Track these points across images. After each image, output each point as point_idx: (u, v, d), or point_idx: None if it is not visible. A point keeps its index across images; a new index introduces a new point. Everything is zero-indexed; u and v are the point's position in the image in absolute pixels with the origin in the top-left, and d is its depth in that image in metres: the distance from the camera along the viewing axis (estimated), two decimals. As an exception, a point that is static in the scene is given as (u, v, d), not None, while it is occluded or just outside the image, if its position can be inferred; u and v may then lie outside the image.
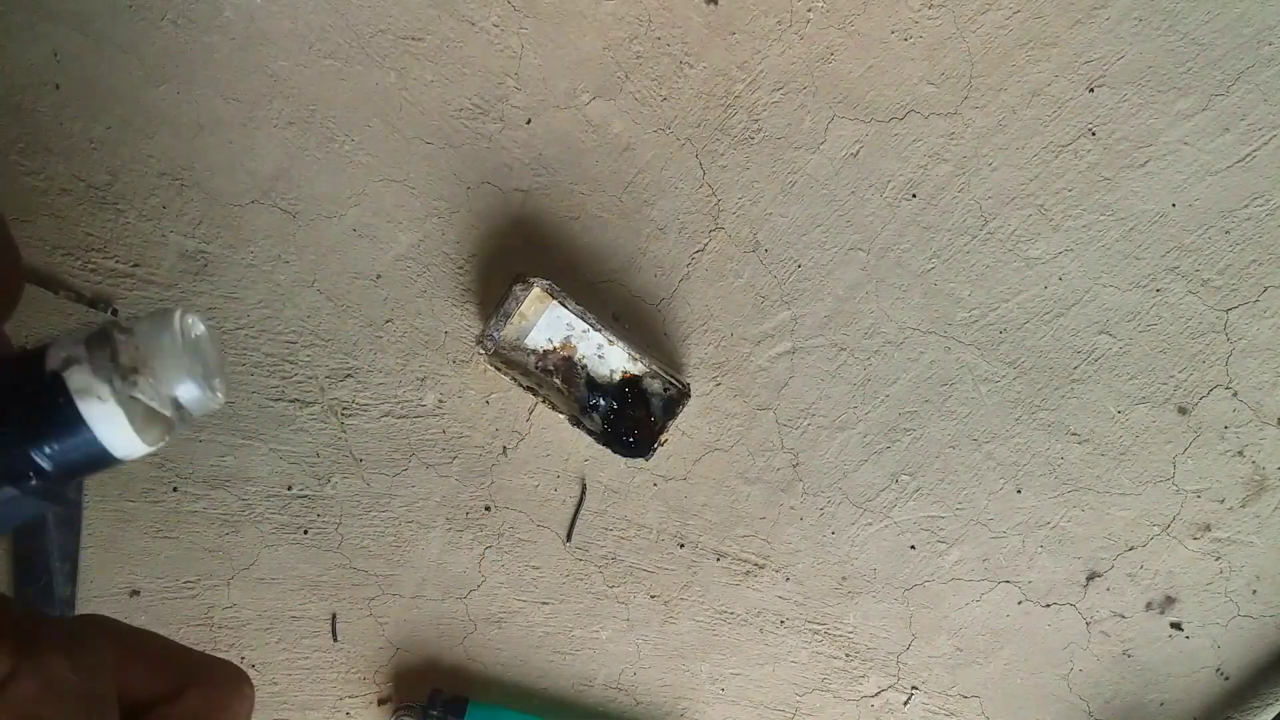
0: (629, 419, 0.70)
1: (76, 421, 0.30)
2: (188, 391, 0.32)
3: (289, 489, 0.72)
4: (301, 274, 0.69)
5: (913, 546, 0.77)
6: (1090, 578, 0.78)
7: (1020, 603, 0.79)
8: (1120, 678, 0.81)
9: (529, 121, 0.69)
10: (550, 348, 0.70)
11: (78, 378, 0.30)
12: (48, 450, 0.30)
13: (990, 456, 0.76)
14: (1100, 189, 0.72)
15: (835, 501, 0.76)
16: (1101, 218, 0.72)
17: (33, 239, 0.66)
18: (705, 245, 0.72)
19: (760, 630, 0.78)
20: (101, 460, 0.31)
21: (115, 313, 0.68)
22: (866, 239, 0.72)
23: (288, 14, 0.65)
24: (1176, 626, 0.80)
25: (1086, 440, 0.76)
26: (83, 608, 0.71)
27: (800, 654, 0.78)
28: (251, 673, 0.74)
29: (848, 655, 0.79)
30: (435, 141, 0.68)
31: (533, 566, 0.75)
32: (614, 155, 0.70)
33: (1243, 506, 0.78)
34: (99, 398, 0.30)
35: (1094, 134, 0.71)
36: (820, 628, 0.78)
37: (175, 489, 0.71)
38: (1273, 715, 0.79)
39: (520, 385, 0.68)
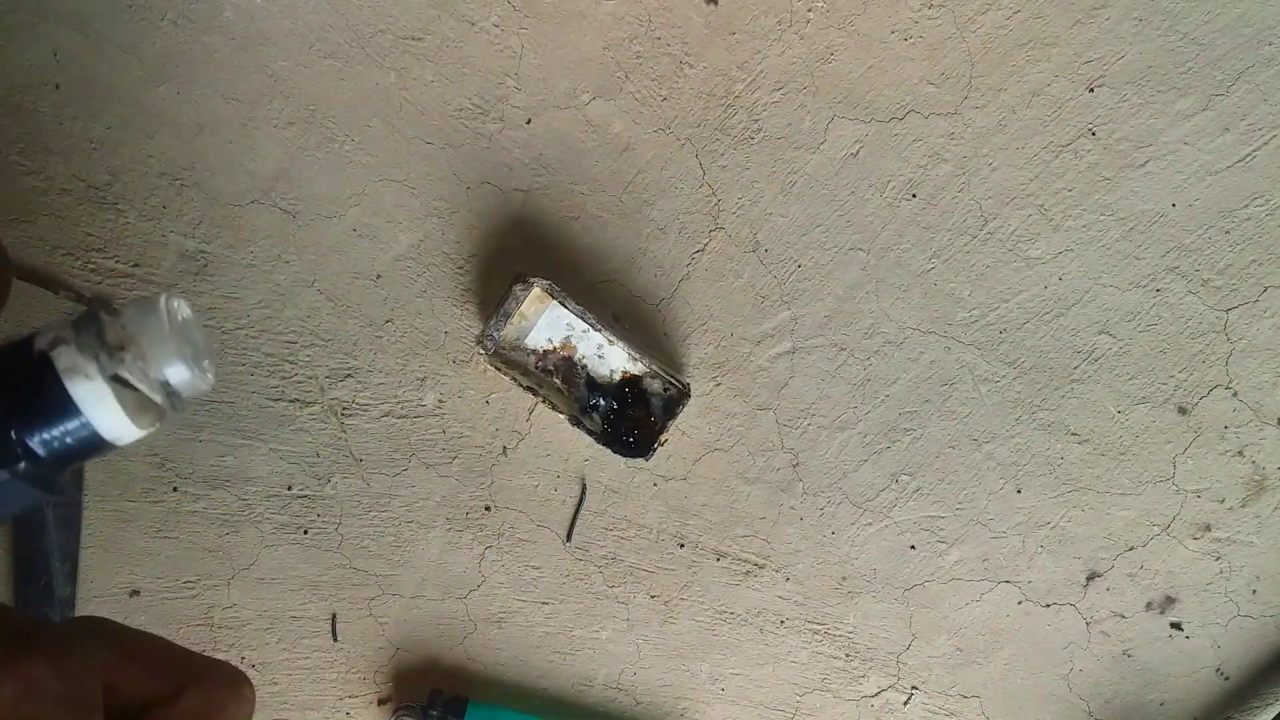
0: (629, 419, 0.70)
1: (65, 401, 0.30)
2: (177, 373, 0.32)
3: (289, 489, 0.72)
4: (301, 274, 0.69)
5: (913, 546, 0.77)
6: (1090, 578, 0.78)
7: (1020, 603, 0.79)
8: (1120, 678, 0.81)
9: (529, 121, 0.69)
10: (550, 348, 0.70)
11: (65, 356, 0.30)
12: (38, 431, 0.30)
13: (990, 456, 0.76)
14: (1100, 189, 0.72)
15: (835, 501, 0.76)
16: (1101, 218, 0.72)
17: (33, 239, 0.66)
18: (705, 245, 0.72)
19: (760, 630, 0.78)
20: (93, 442, 0.31)
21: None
22: (866, 239, 0.72)
23: (288, 14, 0.65)
24: (1176, 626, 0.80)
25: (1086, 440, 0.76)
26: (83, 608, 0.71)
27: (800, 654, 0.78)
28: (251, 673, 0.74)
29: (848, 655, 0.79)
30: (435, 141, 0.68)
31: (533, 566, 0.75)
32: (614, 155, 0.70)
33: (1243, 506, 0.78)
34: (85, 375, 0.30)
35: (1094, 134, 0.71)
36: (820, 628, 0.78)
37: (175, 489, 0.71)
38: (1273, 715, 0.79)
39: (520, 385, 0.68)
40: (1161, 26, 0.69)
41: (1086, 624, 0.79)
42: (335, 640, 0.74)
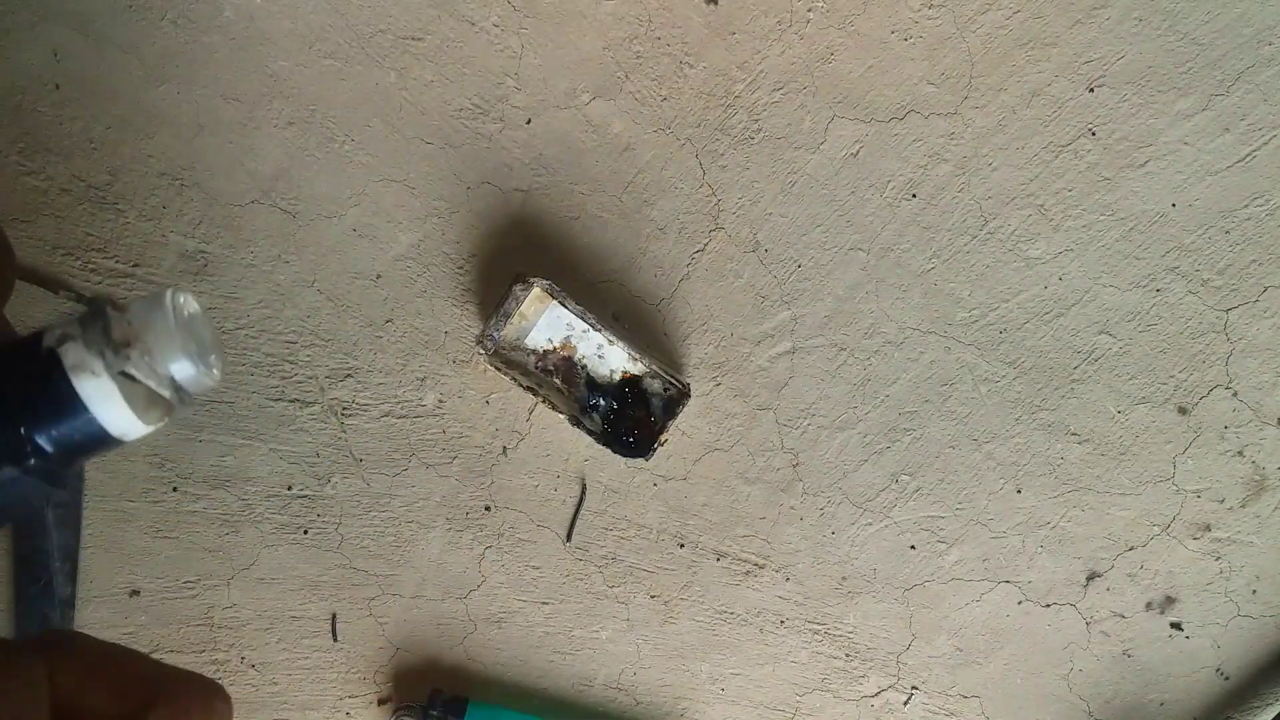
0: (629, 419, 0.70)
1: (72, 398, 0.30)
2: (183, 369, 0.32)
3: (289, 489, 0.72)
4: (301, 274, 0.69)
5: (913, 546, 0.77)
6: (1090, 578, 0.78)
7: (1020, 603, 0.79)
8: (1120, 678, 0.81)
9: (529, 121, 0.69)
10: (550, 348, 0.70)
11: (72, 353, 0.30)
12: (46, 428, 0.30)
13: (990, 456, 0.76)
14: (1100, 189, 0.72)
15: (835, 501, 0.76)
16: (1101, 218, 0.72)
17: (33, 239, 0.66)
18: (705, 245, 0.72)
19: (760, 630, 0.78)
20: (100, 438, 0.31)
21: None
22: (866, 239, 0.72)
23: (288, 14, 0.65)
24: (1176, 626, 0.80)
25: (1086, 440, 0.76)
26: (83, 608, 0.71)
27: (800, 654, 0.78)
28: (251, 673, 0.74)
29: (848, 655, 0.79)
30: (435, 141, 0.68)
31: (533, 566, 0.75)
32: (614, 155, 0.70)
33: (1243, 506, 0.78)
34: (92, 372, 0.30)
35: (1094, 134, 0.71)
36: (820, 628, 0.78)
37: (175, 489, 0.71)
38: (1273, 715, 0.79)
39: (520, 385, 0.68)
40: (1161, 26, 0.69)
41: (1086, 624, 0.79)
42: (335, 640, 0.74)
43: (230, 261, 0.68)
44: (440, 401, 0.72)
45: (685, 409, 0.69)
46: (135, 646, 0.33)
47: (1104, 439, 0.76)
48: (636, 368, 0.70)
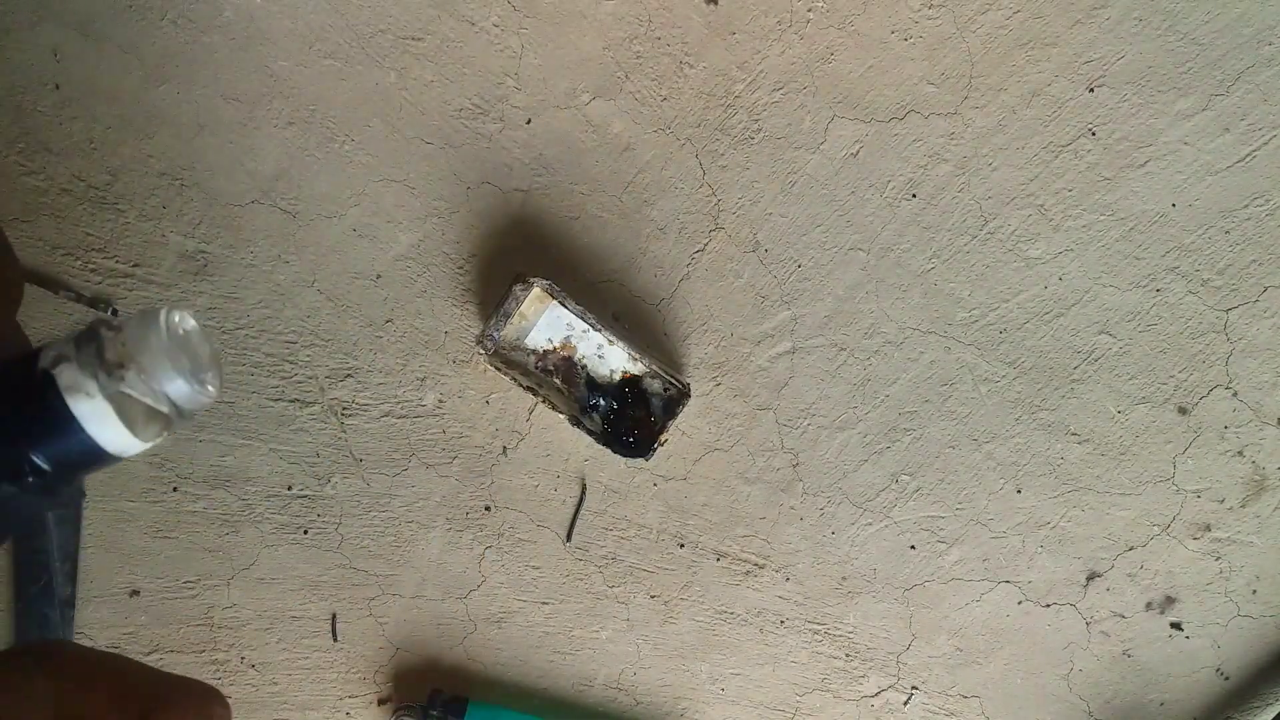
0: (629, 419, 0.70)
1: (68, 418, 0.31)
2: (178, 388, 0.33)
3: (289, 489, 0.72)
4: (301, 274, 0.69)
5: (913, 546, 0.77)
6: (1090, 578, 0.78)
7: (1020, 603, 0.79)
8: (1120, 678, 0.81)
9: (529, 121, 0.69)
10: (550, 348, 0.70)
11: (66, 375, 0.31)
12: (43, 447, 0.31)
13: (990, 456, 0.76)
14: (1100, 189, 0.72)
15: (835, 501, 0.76)
16: (1101, 218, 0.72)
17: (33, 239, 0.66)
18: (705, 245, 0.72)
19: (760, 630, 0.78)
20: (96, 456, 0.32)
21: (115, 313, 0.68)
22: (866, 239, 0.72)
23: (288, 14, 0.65)
24: (1176, 626, 0.80)
25: (1086, 440, 0.76)
26: (83, 608, 0.71)
27: (800, 654, 0.78)
28: (251, 673, 0.74)
29: (848, 655, 0.79)
30: (435, 141, 0.68)
31: (533, 566, 0.75)
32: (614, 155, 0.70)
33: (1243, 506, 0.78)
34: (86, 394, 0.31)
35: (1094, 134, 0.71)
36: (820, 628, 0.78)
37: (175, 489, 0.71)
38: (1273, 715, 0.79)
39: (520, 385, 0.68)
40: (1161, 26, 0.69)
41: (1086, 624, 0.79)
42: (335, 640, 0.74)
43: (230, 261, 0.68)
44: (440, 401, 0.72)
45: (685, 409, 0.69)
46: (135, 646, 0.32)
47: (1104, 439, 0.76)
48: (636, 368, 0.70)
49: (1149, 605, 0.79)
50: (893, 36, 0.69)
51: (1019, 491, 0.77)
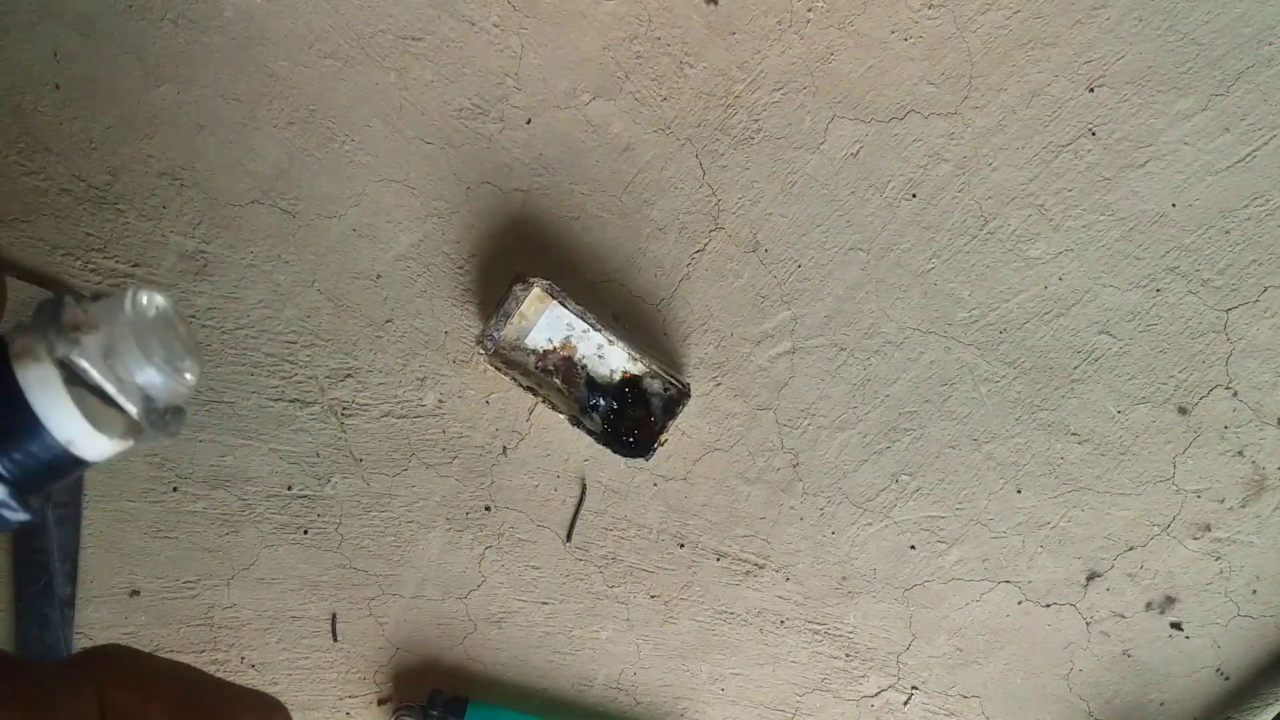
0: (629, 419, 0.70)
1: (13, 389, 0.27)
2: (148, 376, 0.29)
3: (289, 489, 0.72)
4: (301, 274, 0.69)
5: (913, 546, 0.77)
6: (1090, 578, 0.78)
7: (1020, 603, 0.79)
8: (1120, 678, 0.81)
9: (529, 121, 0.69)
10: (550, 348, 0.70)
11: (18, 341, 0.27)
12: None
13: (990, 456, 0.76)
14: (1100, 189, 0.72)
15: (835, 501, 0.76)
16: (1101, 218, 0.72)
17: (33, 239, 0.66)
18: (705, 245, 0.72)
19: (760, 630, 0.78)
20: (49, 449, 0.28)
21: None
22: (866, 239, 0.72)
23: (287, 14, 0.65)
24: (1176, 626, 0.80)
25: (1086, 440, 0.76)
26: (83, 608, 0.71)
27: (800, 654, 0.78)
28: (251, 673, 0.74)
29: (848, 655, 0.79)
30: (435, 141, 0.68)
31: (533, 566, 0.75)
32: (614, 155, 0.70)
33: (1243, 506, 0.78)
34: (35, 358, 0.27)
35: (1094, 134, 0.71)
36: (820, 628, 0.78)
37: (175, 489, 0.71)
38: (1273, 715, 0.79)
39: (520, 385, 0.68)
40: (1161, 26, 0.69)
41: (1086, 624, 0.79)
42: (335, 640, 0.74)
43: (230, 261, 0.68)
44: (440, 401, 0.72)
45: (685, 409, 0.69)
46: (135, 646, 0.31)
47: (1104, 439, 0.76)
48: (636, 368, 0.70)
49: (1149, 605, 0.79)
50: (893, 36, 0.69)
51: (1019, 491, 0.77)
